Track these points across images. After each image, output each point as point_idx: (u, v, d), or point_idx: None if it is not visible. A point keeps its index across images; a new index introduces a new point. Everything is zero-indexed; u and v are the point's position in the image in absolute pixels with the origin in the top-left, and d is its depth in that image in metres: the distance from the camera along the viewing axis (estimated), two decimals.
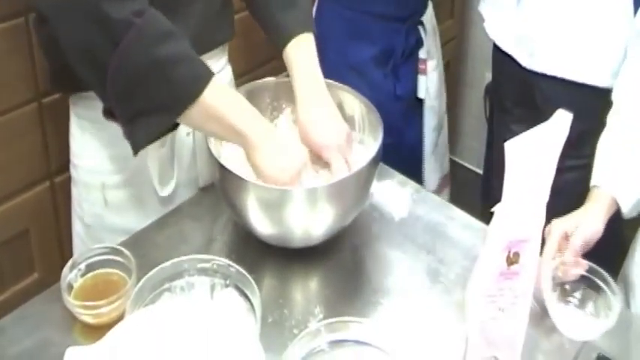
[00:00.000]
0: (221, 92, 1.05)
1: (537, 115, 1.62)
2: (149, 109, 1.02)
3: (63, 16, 1.00)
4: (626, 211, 1.15)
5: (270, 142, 1.06)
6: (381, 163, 1.24)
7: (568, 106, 1.06)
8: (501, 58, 1.69)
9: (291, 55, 1.21)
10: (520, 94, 1.68)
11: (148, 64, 0.99)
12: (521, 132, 0.87)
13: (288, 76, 1.22)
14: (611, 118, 1.22)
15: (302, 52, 1.21)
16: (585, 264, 1.08)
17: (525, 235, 0.91)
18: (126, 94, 1.01)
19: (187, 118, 1.04)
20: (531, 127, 0.89)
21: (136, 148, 1.06)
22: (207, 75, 1.03)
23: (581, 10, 1.47)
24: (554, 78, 1.55)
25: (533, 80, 1.60)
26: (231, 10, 1.30)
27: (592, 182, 1.16)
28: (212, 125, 1.06)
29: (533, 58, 1.58)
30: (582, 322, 1.05)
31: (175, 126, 1.07)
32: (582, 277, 1.07)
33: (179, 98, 1.02)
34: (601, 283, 1.06)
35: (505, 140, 0.86)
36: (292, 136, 1.17)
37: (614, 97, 1.23)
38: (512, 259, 0.92)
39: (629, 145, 1.17)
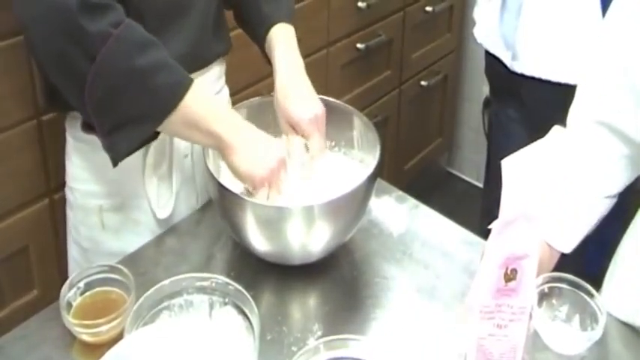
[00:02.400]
0: (199, 99, 1.05)
1: (529, 116, 1.67)
2: (128, 119, 1.03)
3: (39, 28, 1.00)
4: (568, 252, 1.15)
5: (243, 141, 1.07)
6: (379, 179, 1.24)
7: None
8: (491, 61, 1.77)
9: (272, 39, 1.23)
10: (509, 96, 1.72)
11: (127, 74, 1.00)
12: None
13: None
14: (565, 143, 1.14)
15: (283, 36, 1.23)
16: (570, 278, 1.08)
17: (523, 251, 0.91)
18: (104, 105, 1.02)
19: (166, 126, 1.05)
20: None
21: (116, 160, 1.06)
22: (186, 82, 1.04)
23: (555, 13, 1.56)
24: (537, 79, 1.63)
25: (519, 82, 1.67)
26: (225, 23, 1.31)
27: None
28: (190, 131, 1.07)
29: (515, 61, 1.63)
30: (569, 336, 1.05)
31: (155, 136, 1.08)
32: (567, 291, 1.08)
33: (159, 107, 1.03)
34: (586, 297, 1.06)
35: (503, 149, 0.86)
36: (269, 136, 1.16)
37: (568, 121, 1.16)
38: (509, 276, 0.93)
39: (577, 187, 1.13)
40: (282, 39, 1.23)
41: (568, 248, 1.15)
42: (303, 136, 1.18)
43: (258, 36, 1.26)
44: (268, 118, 1.26)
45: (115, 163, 1.06)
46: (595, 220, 1.15)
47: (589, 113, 1.14)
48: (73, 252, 1.32)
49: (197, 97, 1.05)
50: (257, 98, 1.28)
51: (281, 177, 1.10)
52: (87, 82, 0.99)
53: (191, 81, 1.04)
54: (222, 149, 1.07)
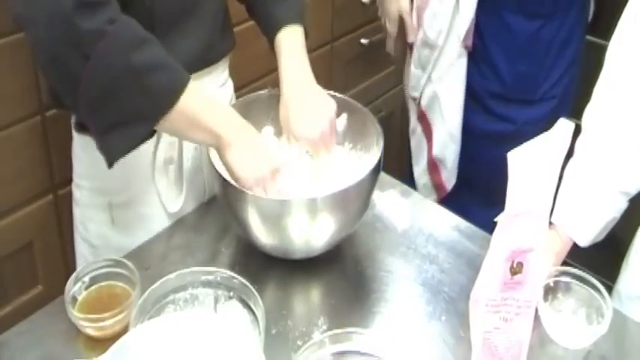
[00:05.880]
0: (197, 97, 1.04)
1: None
2: (123, 119, 1.00)
3: (34, 28, 0.97)
4: (584, 245, 1.17)
5: (242, 142, 1.06)
6: (383, 174, 1.24)
7: None
8: None
9: (279, 44, 1.21)
10: None
11: (123, 72, 0.97)
12: None
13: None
14: (579, 144, 1.18)
15: (290, 41, 1.22)
16: (576, 272, 1.08)
17: (528, 245, 0.91)
18: (99, 104, 0.99)
19: (163, 125, 1.03)
20: None
21: (111, 160, 1.03)
22: (183, 80, 1.02)
23: None
24: None
25: None
26: (230, 20, 1.30)
27: (552, 218, 1.14)
28: (188, 130, 1.05)
29: None
30: (575, 330, 1.05)
31: (151, 134, 1.06)
32: (573, 285, 1.08)
33: (155, 107, 1.01)
34: (592, 291, 1.06)
35: None
36: (269, 141, 1.15)
37: (583, 121, 1.19)
38: (515, 269, 0.92)
39: (594, 178, 1.16)
40: (288, 47, 1.21)
41: (585, 242, 1.15)
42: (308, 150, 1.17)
43: (267, 37, 1.25)
44: (272, 113, 1.26)
45: (109, 164, 1.04)
46: (611, 216, 1.15)
47: (608, 109, 1.15)
48: (81, 249, 1.31)
49: (194, 95, 1.03)
50: (265, 91, 1.27)
51: (274, 183, 1.08)
52: (81, 82, 0.97)
53: (188, 79, 1.03)
54: (219, 146, 1.06)
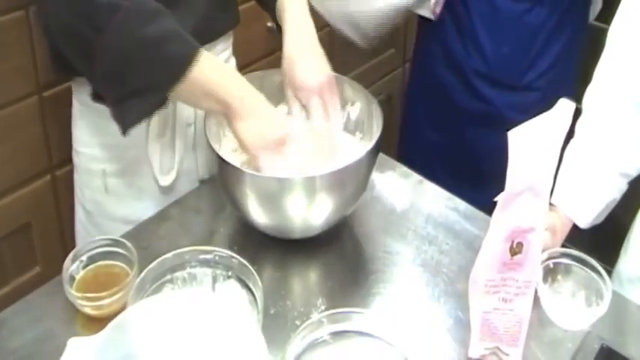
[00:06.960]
0: (209, 66, 1.05)
1: None
2: (138, 89, 1.02)
3: (49, 1, 1.00)
4: (584, 227, 1.16)
5: (250, 110, 1.06)
6: (383, 155, 1.24)
7: None
8: None
9: (283, 5, 1.21)
10: None
11: (137, 45, 1.00)
12: None
13: None
14: (580, 126, 1.18)
15: (294, 3, 1.21)
16: (575, 254, 1.08)
17: (529, 225, 0.91)
18: (115, 75, 1.02)
19: (175, 95, 1.04)
20: None
21: (125, 128, 1.05)
22: (195, 50, 1.03)
23: None
24: None
25: None
26: None
27: (552, 199, 1.14)
28: (198, 99, 1.07)
29: None
30: (574, 312, 1.05)
31: (164, 103, 1.07)
32: (573, 267, 1.08)
33: (168, 77, 1.02)
34: (591, 273, 1.06)
35: None
36: (276, 111, 1.16)
37: (583, 103, 1.19)
38: (515, 250, 0.92)
39: (594, 160, 1.15)
40: (293, 3, 1.21)
41: (585, 223, 1.15)
42: (305, 104, 1.17)
43: (268, 4, 1.25)
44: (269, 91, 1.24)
45: (123, 132, 1.06)
46: (611, 198, 1.15)
47: (609, 90, 1.15)
48: (79, 214, 1.34)
49: (206, 65, 1.04)
50: (259, 72, 1.26)
51: (281, 152, 1.08)
52: (95, 54, 0.99)
53: (199, 49, 1.04)
54: (228, 116, 1.07)
